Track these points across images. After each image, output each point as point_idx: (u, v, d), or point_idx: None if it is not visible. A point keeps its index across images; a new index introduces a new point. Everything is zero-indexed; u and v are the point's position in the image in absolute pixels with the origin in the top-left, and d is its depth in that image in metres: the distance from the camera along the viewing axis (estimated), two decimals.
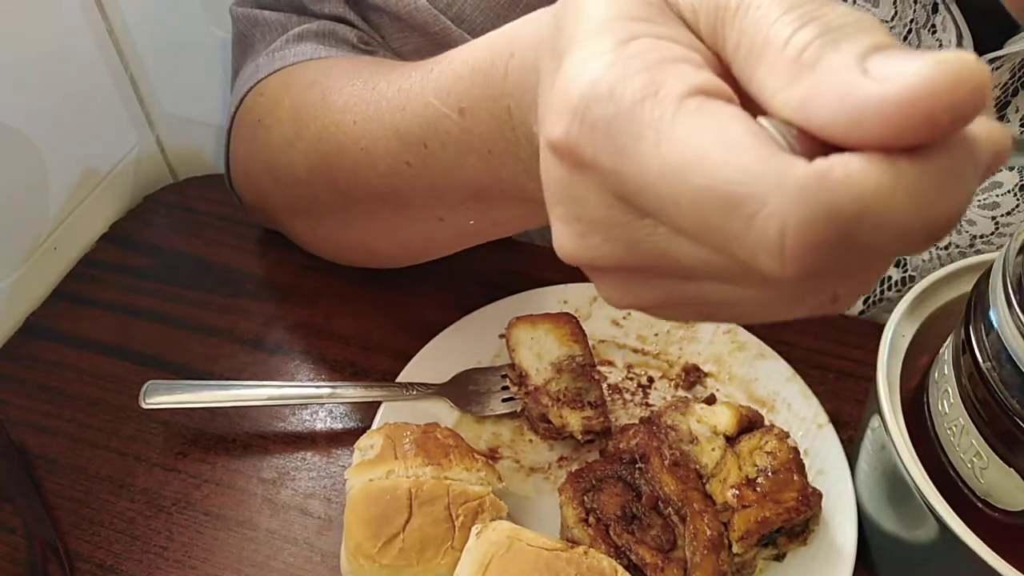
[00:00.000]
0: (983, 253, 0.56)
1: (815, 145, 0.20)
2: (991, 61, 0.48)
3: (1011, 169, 0.53)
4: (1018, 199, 0.53)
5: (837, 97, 0.19)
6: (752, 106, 0.22)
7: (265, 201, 0.57)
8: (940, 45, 0.49)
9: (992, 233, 0.55)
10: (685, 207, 0.21)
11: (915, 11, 0.49)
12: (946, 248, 0.57)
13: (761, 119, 0.21)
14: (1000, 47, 0.48)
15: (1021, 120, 0.51)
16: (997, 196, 0.54)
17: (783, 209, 0.19)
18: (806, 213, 0.19)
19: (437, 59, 0.40)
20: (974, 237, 0.56)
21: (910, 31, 0.49)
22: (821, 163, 0.19)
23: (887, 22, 0.49)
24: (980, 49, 0.49)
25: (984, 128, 0.20)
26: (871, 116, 0.19)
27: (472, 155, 0.38)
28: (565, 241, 0.25)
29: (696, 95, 0.21)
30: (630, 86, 0.22)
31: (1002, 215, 0.54)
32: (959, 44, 0.49)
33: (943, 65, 0.18)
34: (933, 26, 0.49)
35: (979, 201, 0.55)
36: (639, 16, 0.23)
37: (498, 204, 0.41)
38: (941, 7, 0.47)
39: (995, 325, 0.35)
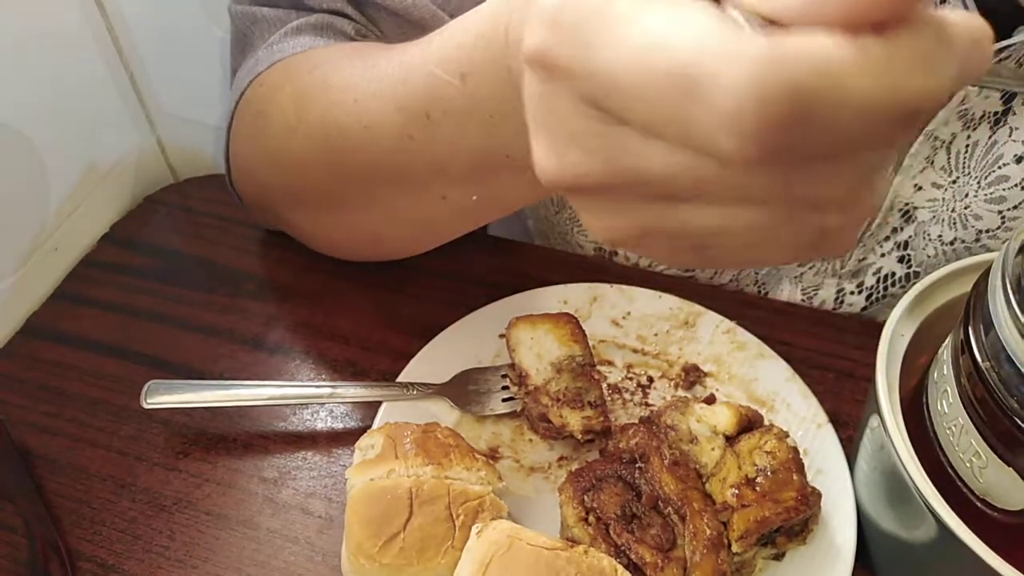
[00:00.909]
0: (989, 248, 0.56)
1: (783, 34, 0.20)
2: (1000, 51, 0.48)
3: (1018, 162, 0.52)
4: None
5: None
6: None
7: (266, 195, 0.57)
8: None
9: (999, 227, 0.55)
10: (651, 97, 0.21)
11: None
12: (951, 243, 0.57)
13: (729, 9, 0.21)
14: (1007, 36, 0.48)
15: None
16: (1004, 190, 0.54)
17: (738, 83, 0.19)
18: (762, 85, 0.19)
19: (437, 31, 0.40)
20: (980, 232, 0.56)
21: None
22: (779, 36, 0.19)
23: None
24: None
25: (962, 16, 0.20)
26: None
27: (474, 122, 0.38)
28: (546, 162, 0.26)
29: None
30: None
31: (1009, 209, 0.54)
32: None
33: None
34: None
35: (985, 195, 0.54)
36: None
37: (501, 175, 0.41)
38: None
39: (994, 325, 0.35)
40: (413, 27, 0.52)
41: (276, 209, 0.58)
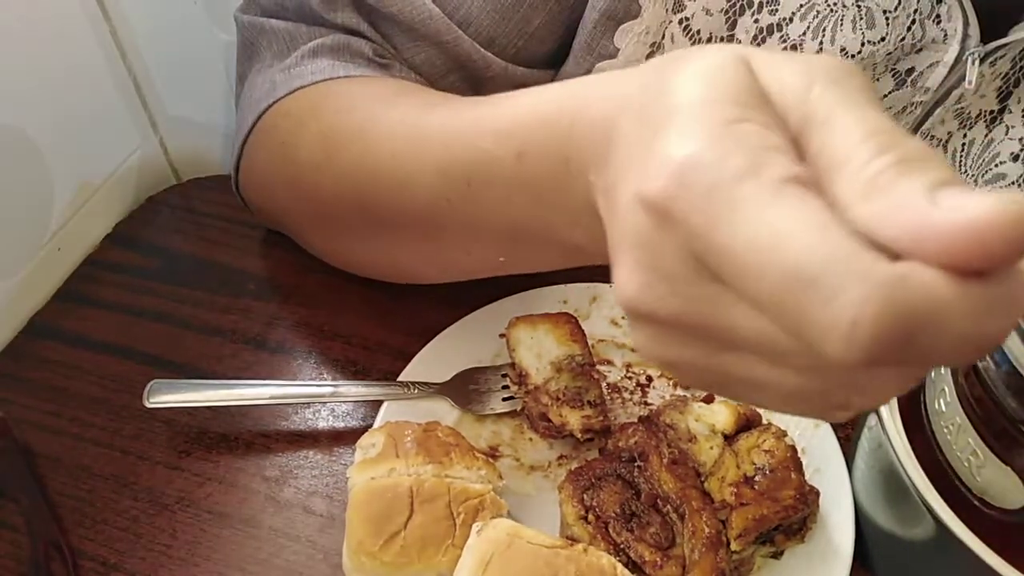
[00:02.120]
0: None
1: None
2: (995, 50, 0.49)
3: (1015, 160, 0.53)
4: (1022, 191, 0.53)
5: (905, 217, 0.21)
6: None
7: (284, 214, 0.57)
8: (945, 35, 0.49)
9: None
10: (767, 280, 0.22)
11: (919, 1, 0.49)
12: None
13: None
14: (1003, 35, 0.48)
15: (1023, 111, 0.52)
16: (1001, 188, 0.54)
17: (862, 298, 0.21)
18: (883, 306, 0.21)
19: (490, 100, 0.40)
20: None
21: (914, 21, 0.49)
22: (903, 266, 0.21)
23: (890, 11, 0.49)
24: (985, 37, 0.49)
25: None
26: (934, 238, 0.21)
27: (520, 198, 0.38)
28: (630, 287, 0.26)
29: (795, 184, 0.23)
30: (733, 161, 0.23)
31: None
32: (965, 33, 0.49)
33: (1004, 203, 0.20)
34: (938, 16, 0.49)
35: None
36: (743, 102, 0.25)
37: (533, 247, 0.41)
38: None
39: None
40: (426, 42, 0.51)
41: (291, 227, 0.58)
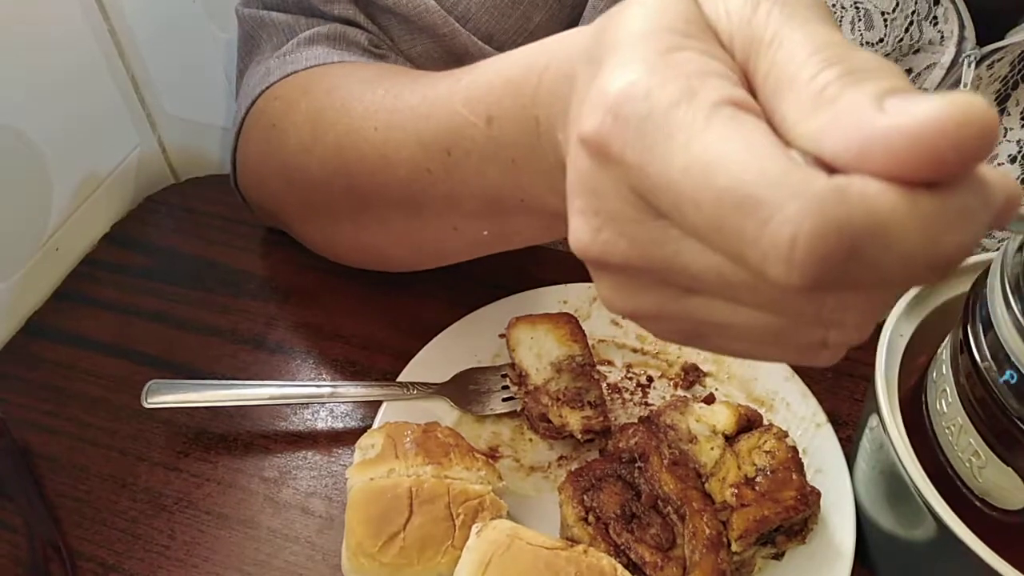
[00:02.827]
0: (985, 247, 0.56)
1: (828, 174, 0.21)
2: (992, 52, 0.49)
3: (1012, 162, 0.53)
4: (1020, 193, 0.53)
5: (851, 128, 0.20)
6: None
7: (277, 204, 0.57)
8: (942, 37, 0.49)
9: None
10: (704, 207, 0.22)
11: (917, 2, 0.49)
12: None
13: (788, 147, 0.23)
14: (1001, 38, 0.48)
15: (1022, 113, 0.52)
16: None
17: (799, 216, 0.20)
18: (820, 222, 0.20)
19: (466, 69, 0.40)
20: None
21: (911, 23, 0.49)
22: (841, 179, 0.20)
23: (888, 13, 0.49)
24: (982, 40, 0.49)
25: (997, 176, 0.21)
26: (880, 147, 0.20)
27: (495, 165, 0.38)
28: (580, 234, 0.26)
29: (729, 105, 0.22)
30: (667, 90, 0.23)
31: None
32: (961, 35, 0.49)
33: (952, 105, 0.19)
34: (935, 18, 0.49)
35: None
36: (682, 31, 0.24)
37: (514, 215, 0.41)
38: None
39: (993, 324, 0.35)
40: (423, 34, 0.52)
41: (284, 219, 0.58)
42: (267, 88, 0.52)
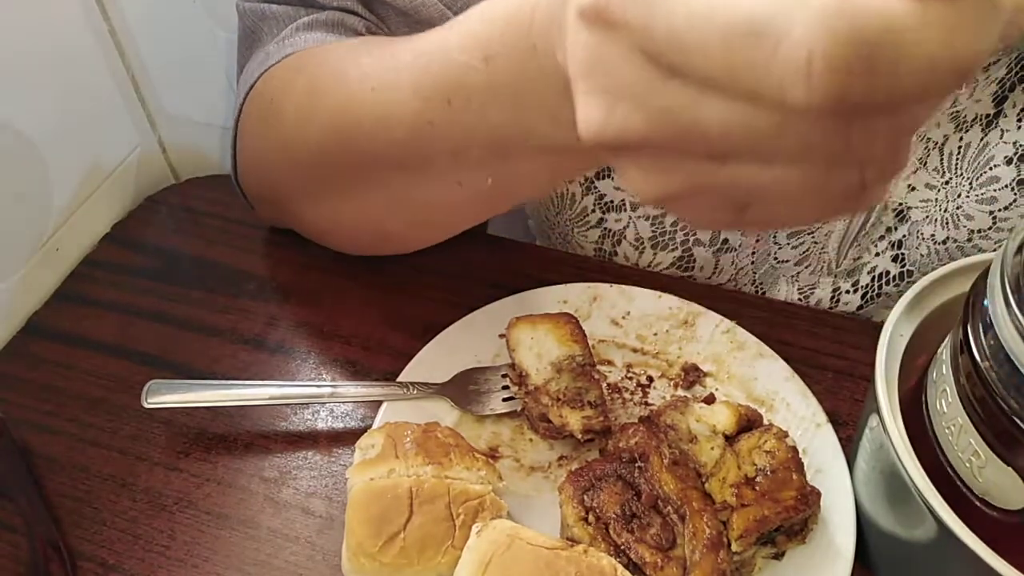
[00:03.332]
0: (981, 248, 0.56)
1: None
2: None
3: (1008, 163, 0.53)
4: (1016, 194, 0.54)
5: None
6: None
7: (277, 187, 0.57)
8: None
9: (990, 228, 0.55)
10: (712, 49, 0.22)
11: None
12: (943, 243, 0.57)
13: None
14: None
15: (1018, 115, 0.52)
16: (995, 191, 0.54)
17: (808, 32, 0.20)
18: (831, 33, 0.20)
19: (456, 19, 0.41)
20: (972, 232, 0.56)
21: None
22: None
23: None
24: None
25: None
26: None
27: (496, 104, 0.38)
28: (593, 116, 0.26)
29: None
30: None
31: (999, 210, 0.54)
32: None
33: None
34: None
35: (977, 196, 0.55)
36: None
37: (518, 158, 0.41)
38: None
39: (993, 325, 0.35)
40: (421, 26, 0.52)
41: (284, 202, 0.58)
42: (265, 71, 0.52)
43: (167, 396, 0.50)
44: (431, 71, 0.41)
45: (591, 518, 0.43)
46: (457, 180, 0.45)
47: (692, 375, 0.54)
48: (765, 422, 0.47)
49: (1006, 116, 0.52)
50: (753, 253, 0.61)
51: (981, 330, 0.36)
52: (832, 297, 0.63)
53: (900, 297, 0.45)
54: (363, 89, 0.45)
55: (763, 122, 0.23)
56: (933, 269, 0.46)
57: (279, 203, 0.59)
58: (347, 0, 0.53)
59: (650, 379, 0.54)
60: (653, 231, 0.60)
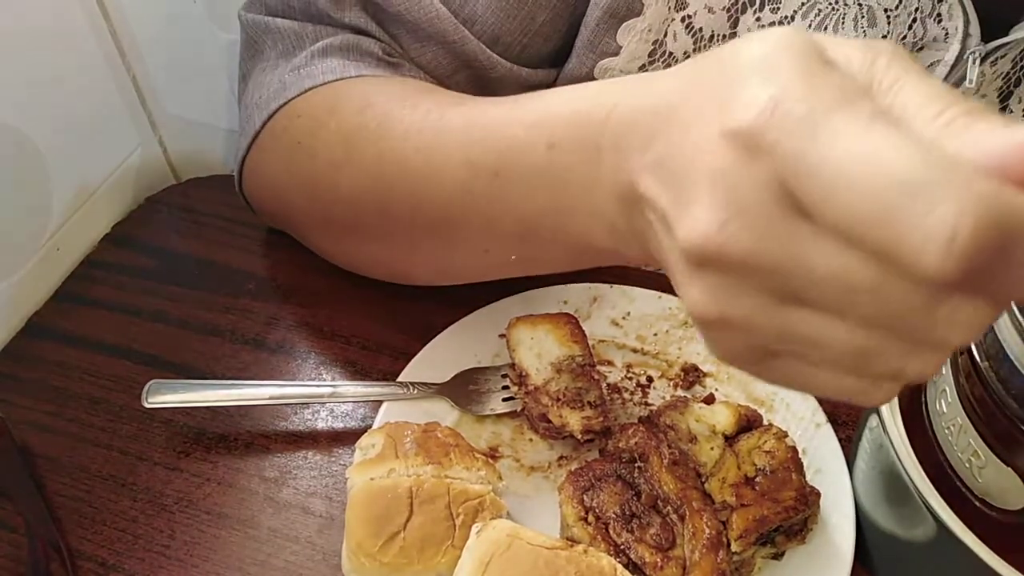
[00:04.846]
0: None
1: None
2: (995, 49, 0.49)
3: None
4: None
5: (990, 142, 0.22)
6: None
7: (293, 215, 0.57)
8: (946, 34, 0.49)
9: None
10: (859, 199, 0.22)
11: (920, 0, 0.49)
12: None
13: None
14: (1004, 35, 0.48)
15: None
16: None
17: (961, 207, 0.21)
18: (982, 215, 0.21)
19: (518, 98, 0.41)
20: None
21: (915, 20, 0.49)
22: (998, 180, 0.22)
23: (892, 10, 0.49)
24: (985, 37, 0.49)
25: None
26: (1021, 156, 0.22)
27: (546, 189, 0.39)
28: (703, 224, 0.26)
29: (883, 117, 0.23)
30: (825, 95, 0.24)
31: None
32: (966, 32, 0.49)
33: None
34: (939, 15, 0.49)
35: None
36: (822, 58, 0.26)
37: (547, 243, 0.42)
38: None
39: (993, 325, 0.35)
40: (432, 41, 0.51)
41: (302, 231, 0.58)
42: (285, 104, 0.51)
43: (167, 396, 0.50)
44: (486, 142, 0.41)
45: (591, 518, 0.43)
46: (485, 248, 0.46)
47: (692, 375, 0.54)
48: (765, 422, 0.47)
49: (1012, 112, 0.52)
50: None
51: None
52: None
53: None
54: (405, 147, 0.45)
55: (867, 279, 0.23)
56: None
57: (292, 229, 0.59)
58: (360, 18, 0.52)
59: (650, 379, 0.54)
60: None
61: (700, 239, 0.26)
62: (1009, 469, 0.37)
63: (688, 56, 0.51)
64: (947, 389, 0.39)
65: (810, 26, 0.49)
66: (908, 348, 0.25)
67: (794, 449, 0.44)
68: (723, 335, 0.28)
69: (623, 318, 0.57)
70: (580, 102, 0.37)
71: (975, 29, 0.49)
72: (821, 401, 0.51)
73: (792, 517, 0.43)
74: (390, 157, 0.45)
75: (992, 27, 0.49)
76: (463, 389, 0.52)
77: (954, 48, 0.49)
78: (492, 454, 0.50)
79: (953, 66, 0.50)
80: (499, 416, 0.52)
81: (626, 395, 0.54)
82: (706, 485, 0.44)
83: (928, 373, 0.26)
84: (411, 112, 0.46)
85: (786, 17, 0.49)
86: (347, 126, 0.48)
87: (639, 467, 0.45)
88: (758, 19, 0.49)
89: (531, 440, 0.51)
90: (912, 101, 0.24)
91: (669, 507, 0.43)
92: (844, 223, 0.23)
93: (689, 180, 0.27)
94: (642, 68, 0.52)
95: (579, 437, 0.48)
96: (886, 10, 0.48)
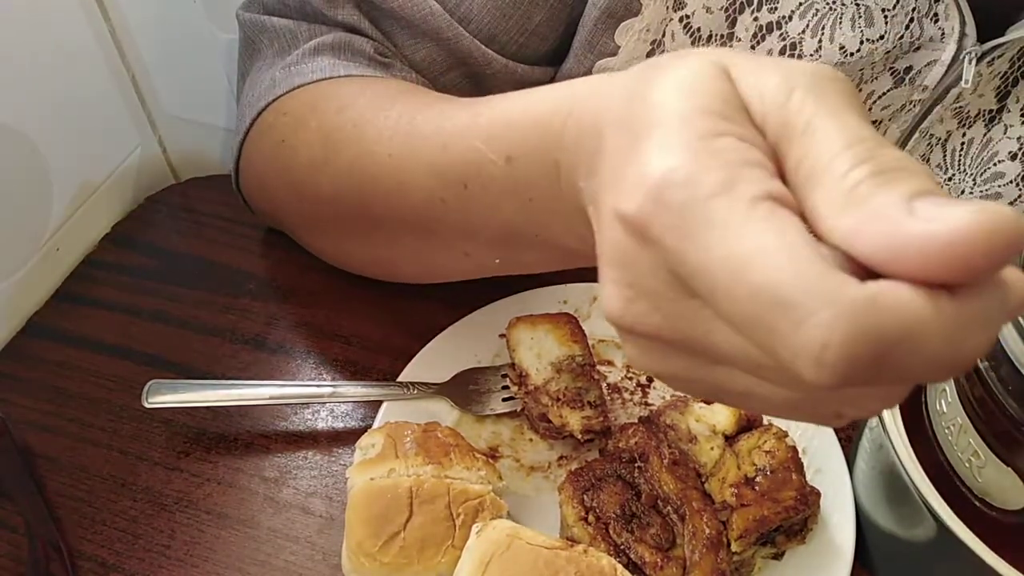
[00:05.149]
0: None
1: (856, 269, 0.22)
2: (992, 49, 0.49)
3: (1013, 159, 0.53)
4: (1020, 189, 0.54)
5: (883, 232, 0.21)
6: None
7: (284, 215, 0.57)
8: (943, 34, 0.49)
9: None
10: (738, 299, 0.23)
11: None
12: None
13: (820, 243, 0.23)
14: (1001, 35, 0.48)
15: (1022, 110, 0.52)
16: (999, 187, 0.54)
17: (832, 322, 0.21)
18: (852, 330, 0.21)
19: (484, 102, 0.40)
20: None
21: (912, 20, 0.49)
22: (872, 286, 0.21)
23: (889, 10, 0.49)
24: (982, 37, 0.49)
25: (1014, 275, 0.22)
26: (912, 252, 0.21)
27: (512, 202, 0.38)
28: (613, 303, 0.27)
29: (768, 200, 0.23)
30: (708, 179, 0.23)
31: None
32: (962, 32, 0.49)
33: (984, 214, 0.20)
34: (935, 14, 0.49)
35: (981, 192, 0.55)
36: (720, 113, 0.25)
37: (527, 248, 0.41)
38: None
39: None
40: (426, 39, 0.51)
41: (292, 228, 0.58)
42: (273, 101, 0.51)
43: (167, 396, 0.50)
44: (450, 152, 0.41)
45: (591, 518, 0.43)
46: (465, 252, 0.45)
47: None
48: (765, 422, 0.47)
49: (1009, 111, 0.52)
50: None
51: None
52: None
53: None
54: (379, 151, 0.45)
55: (767, 363, 0.24)
56: None
57: (284, 227, 0.59)
58: (353, 15, 0.52)
59: (650, 379, 0.54)
60: None
61: (614, 316, 0.27)
62: (1009, 469, 0.37)
63: None
64: (947, 389, 0.39)
65: (807, 26, 0.49)
66: (834, 405, 0.25)
67: (794, 449, 0.44)
68: (668, 383, 0.29)
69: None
70: (537, 108, 0.36)
71: (971, 29, 0.49)
72: None
73: (792, 517, 0.42)
74: (365, 162, 0.45)
75: (989, 27, 0.49)
76: (463, 389, 0.52)
77: (950, 48, 0.49)
78: (492, 454, 0.50)
79: (950, 66, 0.50)
80: (499, 416, 0.52)
81: (626, 395, 0.54)
82: (706, 485, 0.44)
83: (869, 417, 0.26)
84: (385, 115, 0.46)
85: (784, 17, 0.49)
86: (327, 126, 0.48)
87: (639, 467, 0.45)
88: (755, 19, 0.49)
89: (531, 440, 0.51)
90: (824, 151, 0.23)
91: (669, 507, 0.43)
92: (729, 319, 0.23)
93: (600, 249, 0.28)
94: None
95: (579, 437, 0.48)
96: (883, 10, 0.48)
